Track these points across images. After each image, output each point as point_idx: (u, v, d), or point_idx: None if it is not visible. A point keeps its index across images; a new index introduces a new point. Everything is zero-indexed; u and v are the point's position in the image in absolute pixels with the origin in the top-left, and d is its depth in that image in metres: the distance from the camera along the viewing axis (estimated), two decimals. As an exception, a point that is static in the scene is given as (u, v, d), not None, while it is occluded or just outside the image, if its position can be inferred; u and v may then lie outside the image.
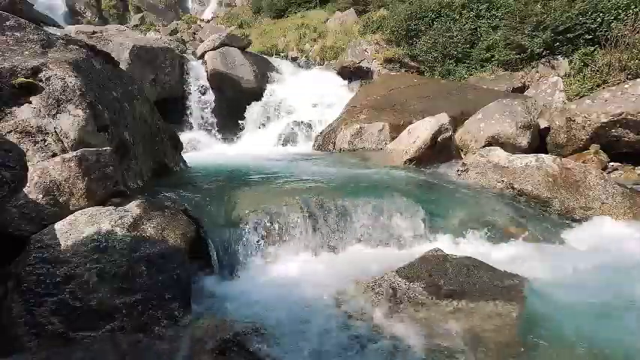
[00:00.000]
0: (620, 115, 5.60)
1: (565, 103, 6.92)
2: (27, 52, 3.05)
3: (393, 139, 5.96)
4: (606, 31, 7.71)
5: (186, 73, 8.62)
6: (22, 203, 2.34)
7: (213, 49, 9.04)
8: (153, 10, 17.49)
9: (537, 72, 8.58)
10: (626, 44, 7.26)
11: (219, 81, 8.69)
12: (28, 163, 1.99)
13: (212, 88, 8.63)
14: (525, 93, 8.10)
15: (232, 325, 2.08)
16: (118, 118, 3.41)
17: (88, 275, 2.09)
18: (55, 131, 2.76)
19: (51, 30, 6.04)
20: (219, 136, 8.36)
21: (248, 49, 9.80)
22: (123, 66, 5.10)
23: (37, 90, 2.80)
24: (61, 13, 14.60)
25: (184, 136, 6.71)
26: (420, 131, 5.23)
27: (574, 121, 5.92)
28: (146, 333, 2.04)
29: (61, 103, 2.83)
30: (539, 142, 6.19)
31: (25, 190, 2.30)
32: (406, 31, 10.09)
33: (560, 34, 8.24)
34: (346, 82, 9.66)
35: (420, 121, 5.54)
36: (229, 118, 8.50)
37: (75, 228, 2.27)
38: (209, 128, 8.40)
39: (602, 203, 3.84)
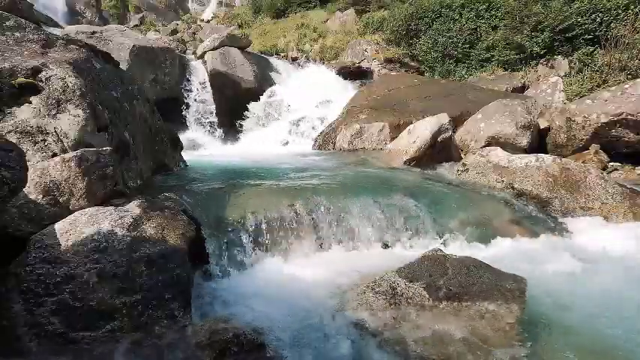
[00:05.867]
0: (620, 115, 5.61)
1: (565, 103, 6.92)
2: (27, 52, 3.04)
3: (393, 139, 5.95)
4: (606, 31, 7.72)
5: (187, 73, 8.63)
6: (22, 203, 2.34)
7: (213, 49, 9.05)
8: (153, 10, 17.51)
9: (537, 72, 8.58)
10: (625, 44, 7.26)
11: (219, 81, 8.69)
12: (28, 163, 1.99)
13: (212, 88, 8.63)
14: (525, 93, 8.11)
15: (232, 325, 2.07)
16: (118, 118, 3.41)
17: (88, 275, 2.09)
18: (55, 131, 2.76)
19: (51, 30, 6.04)
20: (219, 136, 8.36)
21: (248, 49, 9.81)
22: (123, 66, 5.10)
23: (37, 90, 2.80)
24: (61, 13, 14.60)
25: (184, 136, 6.71)
26: (420, 131, 5.23)
27: (574, 121, 5.92)
28: (146, 333, 2.04)
29: (61, 103, 2.83)
30: (539, 142, 6.19)
31: (25, 190, 2.30)
32: (406, 31, 10.11)
33: (560, 34, 8.25)
34: (346, 82, 9.67)
35: (420, 121, 5.54)
36: (229, 118, 8.51)
37: (75, 228, 2.27)
38: (209, 128, 8.40)
39: (602, 203, 3.84)
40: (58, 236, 2.22)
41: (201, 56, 9.20)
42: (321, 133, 7.23)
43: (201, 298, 2.52)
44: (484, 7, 9.63)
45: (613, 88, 6.10)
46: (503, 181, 4.17)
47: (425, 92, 7.59)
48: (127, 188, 2.91)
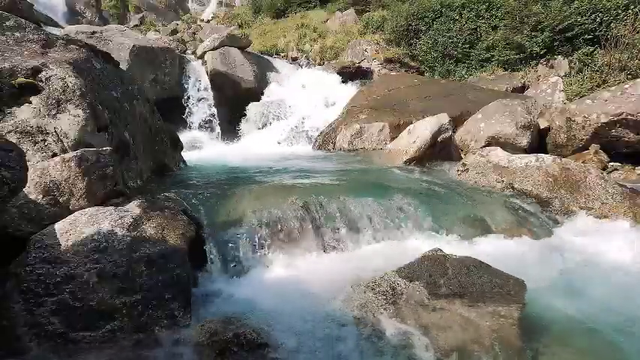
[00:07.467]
0: (620, 115, 5.60)
1: (565, 103, 6.91)
2: (27, 52, 3.05)
3: (393, 139, 5.95)
4: (606, 31, 7.72)
5: (186, 73, 8.63)
6: (22, 203, 2.34)
7: (213, 49, 9.04)
8: (153, 10, 17.51)
9: (537, 72, 8.58)
10: (625, 44, 7.26)
11: (219, 81, 8.69)
12: (28, 163, 1.99)
13: (212, 88, 8.63)
14: (525, 93, 8.10)
15: (232, 325, 2.08)
16: (118, 118, 3.41)
17: (88, 275, 2.09)
18: (55, 131, 2.76)
19: (51, 30, 6.04)
20: (219, 136, 8.36)
21: (248, 49, 9.80)
22: (123, 66, 5.10)
23: (37, 90, 2.80)
24: (61, 13, 14.59)
25: (184, 136, 6.71)
26: (420, 131, 5.23)
27: (574, 121, 5.92)
28: (146, 333, 2.04)
29: (61, 103, 2.84)
30: (539, 142, 6.19)
31: (25, 190, 2.30)
32: (406, 31, 10.10)
33: (560, 33, 8.24)
34: (346, 82, 9.66)
35: (420, 120, 5.54)
36: (229, 118, 8.50)
37: (75, 228, 2.27)
38: (209, 128, 8.40)
39: (602, 203, 3.84)
40: (58, 236, 2.22)
41: (202, 56, 9.20)
42: (321, 133, 7.22)
43: (201, 297, 2.52)
44: (484, 7, 9.62)
45: (613, 88, 6.09)
46: (503, 181, 4.18)
47: (425, 92, 7.59)
48: (127, 188, 2.92)
